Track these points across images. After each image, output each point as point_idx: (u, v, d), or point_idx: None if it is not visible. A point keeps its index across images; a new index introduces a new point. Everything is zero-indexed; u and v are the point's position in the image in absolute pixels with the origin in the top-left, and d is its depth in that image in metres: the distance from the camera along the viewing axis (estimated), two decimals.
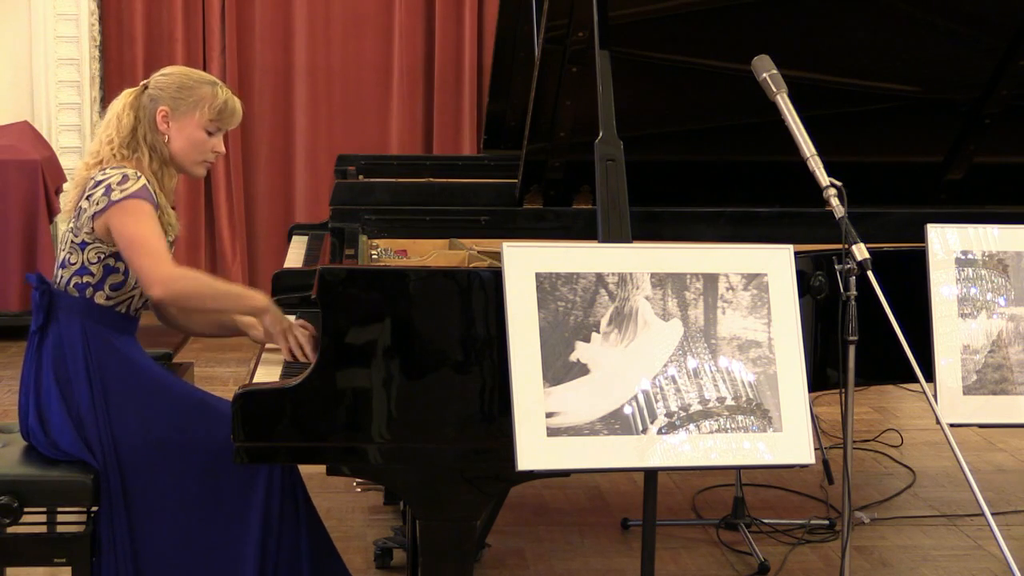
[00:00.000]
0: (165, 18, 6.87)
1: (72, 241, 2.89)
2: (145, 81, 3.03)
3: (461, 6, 7.03)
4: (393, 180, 4.54)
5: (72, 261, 2.89)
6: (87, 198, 2.87)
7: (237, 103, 3.03)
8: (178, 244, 6.75)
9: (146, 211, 2.85)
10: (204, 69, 6.81)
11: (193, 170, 3.04)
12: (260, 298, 2.95)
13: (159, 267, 2.81)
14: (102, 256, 2.88)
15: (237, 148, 6.94)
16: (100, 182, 2.86)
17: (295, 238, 4.29)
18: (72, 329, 2.88)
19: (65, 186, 3.03)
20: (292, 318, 3.16)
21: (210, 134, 2.99)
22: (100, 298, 2.89)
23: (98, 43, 6.87)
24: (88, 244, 2.88)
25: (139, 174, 2.88)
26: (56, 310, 2.90)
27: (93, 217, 2.85)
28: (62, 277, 2.91)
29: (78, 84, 6.85)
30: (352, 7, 7.02)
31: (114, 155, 2.92)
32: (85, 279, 2.89)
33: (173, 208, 3.04)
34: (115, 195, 2.83)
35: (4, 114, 6.73)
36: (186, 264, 6.61)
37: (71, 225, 2.91)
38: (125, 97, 2.99)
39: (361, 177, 4.70)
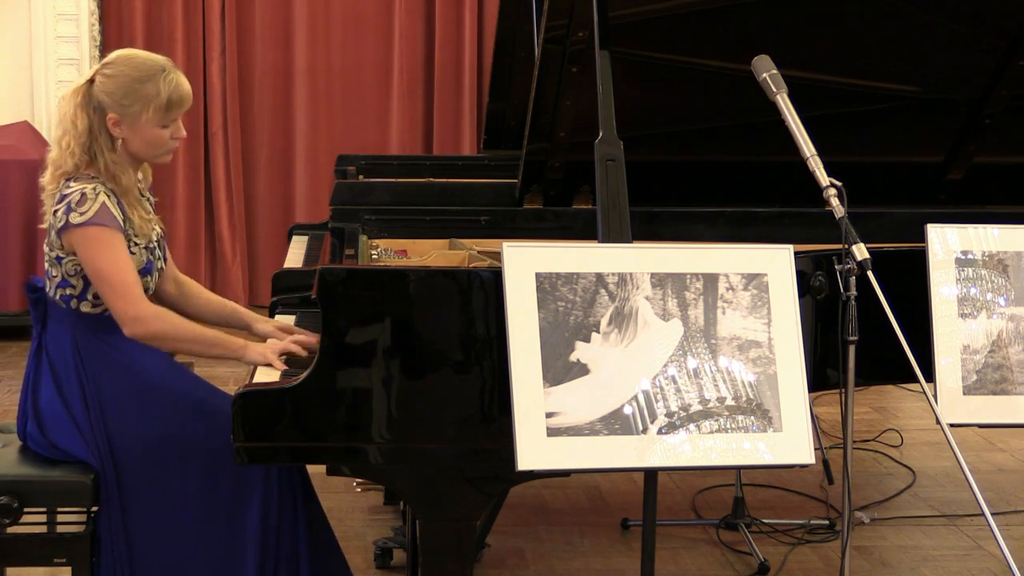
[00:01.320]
0: (165, 18, 6.87)
1: (49, 255, 2.86)
2: (90, 75, 2.91)
3: (461, 6, 7.03)
4: (393, 180, 4.54)
5: (54, 274, 2.87)
6: (54, 214, 2.83)
7: (183, 89, 2.90)
8: (178, 244, 6.81)
9: (106, 239, 2.78)
10: (204, 69, 6.82)
11: (157, 161, 2.97)
12: (236, 344, 2.88)
13: (129, 307, 2.78)
14: (78, 268, 2.83)
15: (237, 148, 6.94)
16: (64, 197, 2.81)
17: (295, 238, 4.29)
18: (63, 338, 2.87)
19: (43, 197, 2.93)
20: (293, 320, 3.16)
21: (165, 126, 2.90)
22: (86, 307, 2.86)
23: (98, 43, 6.86)
24: (63, 258, 2.84)
25: (97, 190, 2.80)
26: (48, 319, 2.90)
27: (59, 233, 2.82)
28: (48, 288, 2.89)
29: None
30: (352, 7, 7.02)
31: (77, 164, 2.85)
32: (68, 291, 2.86)
33: (149, 199, 2.99)
34: (74, 217, 2.77)
35: (4, 114, 6.73)
36: (186, 265, 6.66)
37: (47, 238, 2.87)
38: (74, 97, 2.88)
39: (361, 177, 4.70)
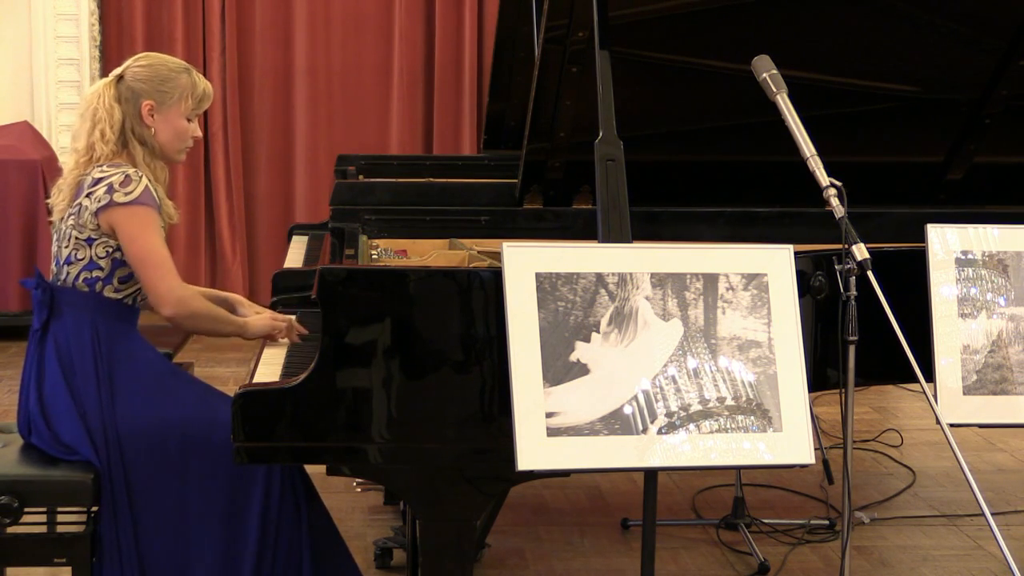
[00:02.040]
0: (165, 18, 6.87)
1: (77, 237, 2.89)
2: (118, 71, 3.01)
3: (461, 6, 7.03)
4: (393, 180, 4.54)
5: (79, 257, 2.89)
6: (88, 195, 2.87)
7: (208, 86, 3.06)
8: (178, 244, 6.81)
9: (152, 220, 2.88)
10: (204, 69, 6.81)
11: (176, 158, 3.06)
12: (239, 318, 3.07)
13: (174, 286, 2.87)
14: (110, 251, 2.89)
15: (237, 148, 6.94)
16: (100, 180, 2.86)
17: (295, 238, 4.29)
18: (81, 324, 2.88)
19: (54, 189, 2.97)
20: (293, 318, 3.16)
21: (189, 121, 3.02)
22: (109, 291, 2.90)
23: (98, 43, 6.87)
24: (95, 240, 2.88)
25: (140, 174, 2.89)
26: (60, 306, 2.90)
27: (96, 213, 2.86)
28: (68, 273, 2.90)
29: (78, 84, 6.84)
30: (352, 7, 7.02)
31: (108, 152, 2.91)
32: (95, 274, 2.89)
33: (170, 199, 3.05)
34: (118, 196, 2.84)
35: (4, 114, 6.73)
36: (186, 265, 6.66)
37: (72, 222, 2.90)
38: (106, 89, 2.97)
39: (361, 177, 4.70)
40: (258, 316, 3.10)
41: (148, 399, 2.87)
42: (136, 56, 3.05)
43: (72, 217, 2.90)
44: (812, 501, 4.34)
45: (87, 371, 2.86)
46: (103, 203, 2.84)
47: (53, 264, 2.96)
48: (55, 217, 2.97)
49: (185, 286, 2.93)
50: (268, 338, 3.08)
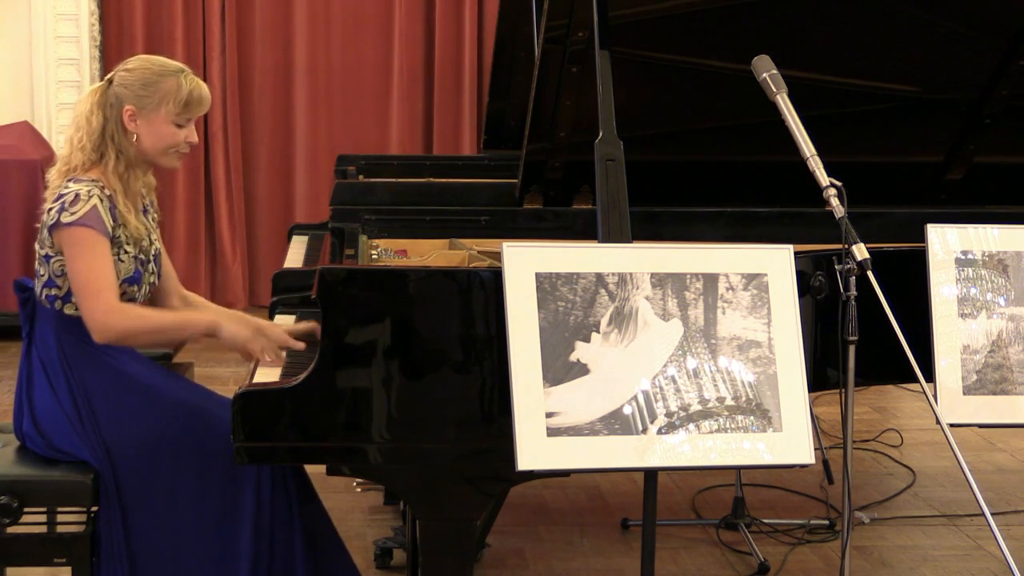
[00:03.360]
0: (165, 18, 6.87)
1: (39, 252, 2.87)
2: (110, 75, 2.95)
3: (461, 6, 7.03)
4: (393, 180, 4.54)
5: (41, 273, 2.87)
6: (48, 211, 2.83)
7: (203, 89, 2.95)
8: (178, 244, 6.81)
9: (89, 242, 2.78)
10: (204, 69, 6.82)
11: (166, 163, 2.97)
12: (204, 322, 2.91)
13: (95, 311, 2.77)
14: (65, 269, 2.83)
15: (237, 148, 6.94)
16: (60, 196, 2.82)
17: (295, 238, 4.29)
18: (47, 339, 2.87)
19: (46, 193, 2.94)
20: (293, 320, 3.16)
21: (180, 126, 2.92)
22: (69, 309, 2.86)
23: (98, 43, 6.86)
24: (52, 257, 2.85)
25: (91, 193, 2.80)
26: (35, 320, 2.90)
27: (50, 231, 2.82)
28: (36, 288, 2.89)
29: (78, 84, 6.84)
30: (352, 7, 7.02)
31: (84, 160, 2.86)
32: (52, 291, 2.86)
33: (147, 210, 2.98)
34: (65, 216, 2.78)
35: (4, 114, 6.73)
36: (186, 265, 6.66)
37: (39, 236, 2.88)
38: (92, 96, 2.92)
39: (361, 177, 4.70)
40: (237, 323, 2.88)
41: (130, 412, 2.84)
42: (128, 61, 2.97)
43: (38, 232, 2.88)
44: (812, 501, 4.34)
45: (61, 385, 2.85)
46: (53, 221, 2.80)
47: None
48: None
49: (113, 308, 2.78)
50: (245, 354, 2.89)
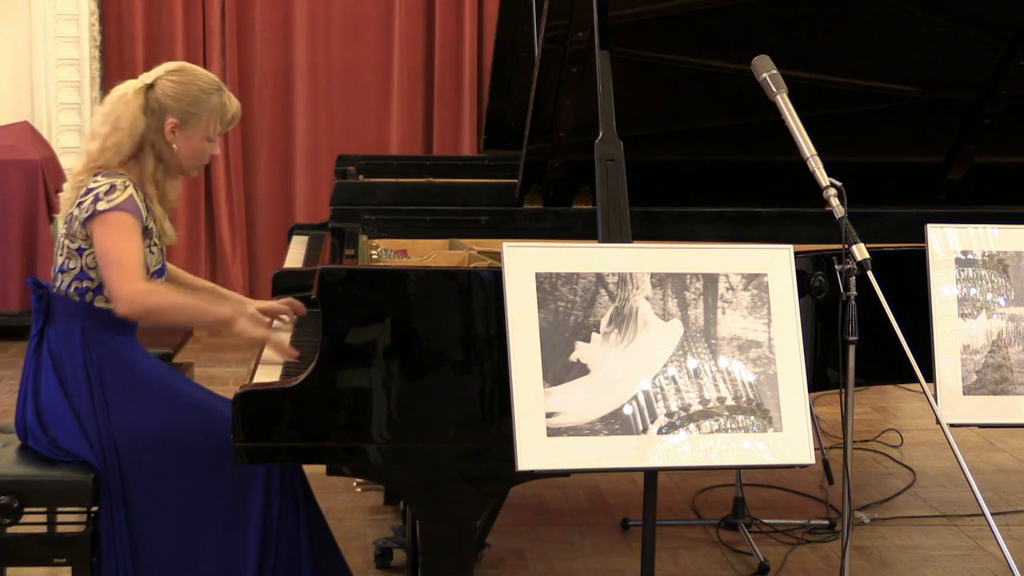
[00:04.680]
0: (165, 18, 6.87)
1: (69, 247, 2.89)
2: (148, 80, 2.96)
3: (461, 6, 7.03)
4: (393, 180, 4.54)
5: (71, 266, 2.89)
6: (79, 205, 2.86)
7: (238, 106, 3.03)
8: (179, 244, 6.78)
9: (126, 224, 2.83)
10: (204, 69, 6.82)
11: (190, 174, 3.06)
12: (225, 311, 2.95)
13: (125, 284, 2.80)
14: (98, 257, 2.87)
15: (237, 148, 6.94)
16: (91, 190, 2.85)
17: (295, 238, 4.29)
18: (72, 333, 2.88)
19: (64, 185, 2.98)
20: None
21: (210, 140, 2.99)
22: (100, 301, 2.89)
23: (98, 43, 6.87)
24: (85, 250, 2.87)
25: (127, 184, 2.86)
26: (54, 313, 2.90)
27: (84, 223, 2.85)
28: (62, 281, 2.90)
29: (78, 84, 6.84)
30: (352, 7, 7.02)
31: (116, 160, 2.90)
32: (84, 284, 2.88)
33: (170, 219, 3.02)
34: (101, 205, 2.82)
35: (4, 114, 6.73)
36: (186, 265, 6.66)
37: (65, 231, 2.90)
38: (134, 97, 2.93)
39: (361, 177, 4.70)
40: (254, 320, 2.93)
41: (144, 406, 2.86)
42: (168, 66, 3.00)
43: (66, 226, 2.90)
44: (812, 501, 4.34)
45: (79, 378, 2.86)
46: (88, 214, 2.83)
47: (52, 270, 2.96)
48: (59, 219, 2.96)
49: (142, 284, 2.83)
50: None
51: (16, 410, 2.97)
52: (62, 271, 2.91)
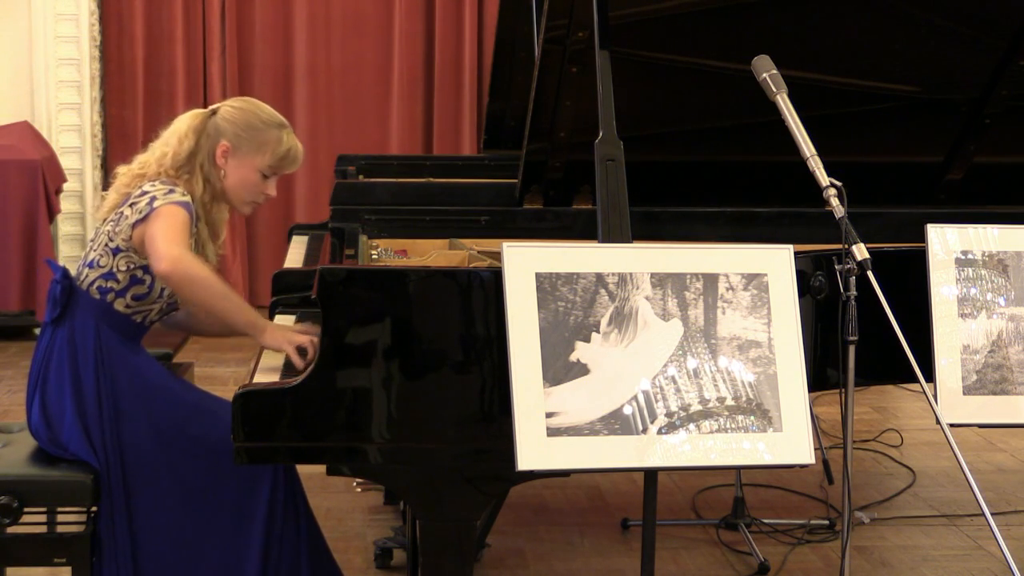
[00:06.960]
0: (165, 18, 6.87)
1: (106, 244, 2.88)
2: (215, 106, 3.00)
3: (461, 7, 7.04)
4: (393, 180, 4.54)
5: (101, 264, 2.89)
6: (131, 205, 2.86)
7: (300, 150, 3.01)
8: None
9: (180, 216, 2.82)
10: (204, 69, 6.83)
11: (240, 208, 3.05)
12: (261, 322, 2.87)
13: (174, 246, 2.76)
14: (131, 266, 2.87)
15: None
16: (147, 192, 2.86)
17: (295, 238, 4.29)
18: (87, 328, 2.88)
19: (111, 188, 2.99)
20: (293, 320, 3.16)
21: (265, 177, 2.99)
22: (120, 305, 2.89)
23: (98, 43, 6.87)
24: (121, 251, 2.87)
25: (185, 192, 2.88)
26: (74, 306, 2.90)
27: (133, 225, 2.84)
28: (87, 276, 2.90)
29: (78, 84, 6.85)
30: (352, 7, 7.03)
31: (161, 172, 2.91)
32: (109, 284, 2.88)
33: (216, 245, 3.04)
34: (157, 203, 2.83)
35: (4, 114, 6.73)
36: None
37: (108, 228, 2.89)
38: (192, 119, 2.96)
39: (361, 177, 4.70)
40: (280, 329, 2.87)
41: (150, 410, 2.86)
42: (238, 98, 3.05)
43: (111, 223, 2.89)
44: (812, 501, 4.34)
45: (89, 376, 2.86)
46: (142, 215, 2.82)
47: (79, 264, 2.96)
48: (97, 219, 2.96)
49: (189, 251, 2.80)
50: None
51: (26, 395, 2.96)
52: (90, 266, 2.90)
